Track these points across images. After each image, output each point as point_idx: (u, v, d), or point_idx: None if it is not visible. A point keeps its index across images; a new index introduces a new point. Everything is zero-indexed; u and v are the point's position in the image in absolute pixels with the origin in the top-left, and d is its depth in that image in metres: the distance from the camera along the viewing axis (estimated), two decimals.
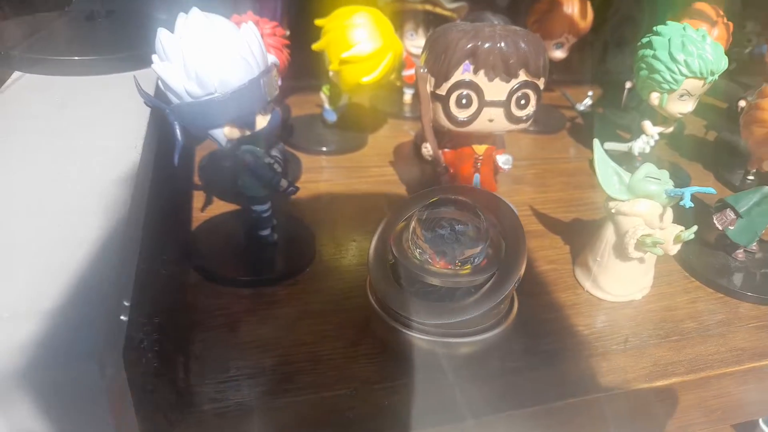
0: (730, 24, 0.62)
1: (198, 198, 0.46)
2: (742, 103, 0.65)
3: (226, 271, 0.38)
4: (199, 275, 0.38)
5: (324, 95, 0.56)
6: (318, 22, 0.52)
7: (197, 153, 0.52)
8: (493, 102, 0.39)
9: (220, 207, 0.45)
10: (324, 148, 0.56)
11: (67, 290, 0.20)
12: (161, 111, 0.34)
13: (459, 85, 0.38)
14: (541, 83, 0.40)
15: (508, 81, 0.38)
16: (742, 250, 0.43)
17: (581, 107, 0.65)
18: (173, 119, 0.34)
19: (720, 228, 0.41)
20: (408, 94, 0.68)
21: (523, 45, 0.38)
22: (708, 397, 0.35)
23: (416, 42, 0.63)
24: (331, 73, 0.51)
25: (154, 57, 0.33)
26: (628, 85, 0.65)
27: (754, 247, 0.43)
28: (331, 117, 0.56)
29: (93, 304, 0.20)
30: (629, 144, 0.55)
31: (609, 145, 0.56)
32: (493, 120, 0.40)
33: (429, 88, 0.40)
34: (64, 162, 0.29)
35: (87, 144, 0.31)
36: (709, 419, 0.36)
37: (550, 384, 0.32)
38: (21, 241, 0.23)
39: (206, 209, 0.45)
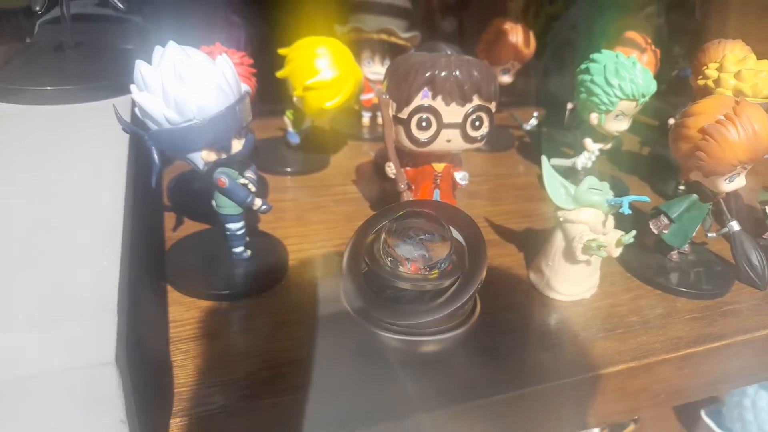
0: (658, 50, 0.69)
1: (168, 219, 0.48)
2: (672, 121, 0.71)
3: (204, 287, 0.39)
4: (178, 291, 0.39)
5: (288, 119, 0.58)
6: (281, 51, 0.55)
7: (165, 175, 0.53)
8: (450, 124, 0.42)
9: (191, 227, 0.47)
10: (289, 169, 0.58)
11: (80, 305, 0.22)
12: (139, 137, 0.36)
13: (419, 109, 0.42)
14: (492, 107, 0.44)
15: (463, 105, 0.42)
16: (676, 252, 0.47)
17: (528, 127, 0.70)
18: (151, 144, 0.36)
19: (656, 232, 0.46)
20: (366, 117, 0.71)
21: (475, 73, 0.42)
22: (652, 381, 0.38)
23: (373, 69, 0.67)
24: (295, 99, 0.54)
25: (133, 87, 0.35)
26: (569, 106, 0.71)
27: (687, 249, 0.48)
28: (295, 139, 0.59)
29: (104, 316, 0.22)
30: (573, 160, 0.60)
31: (554, 161, 0.61)
32: (450, 140, 0.43)
33: (391, 113, 0.43)
34: (57, 186, 0.31)
35: (75, 168, 0.33)
36: (655, 402, 0.40)
37: (512, 375, 0.35)
38: (27, 264, 0.25)
39: (178, 229, 0.46)
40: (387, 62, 0.67)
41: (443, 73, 0.41)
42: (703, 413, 0.94)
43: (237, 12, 0.59)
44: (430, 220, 0.34)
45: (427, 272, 0.33)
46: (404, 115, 0.42)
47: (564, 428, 0.39)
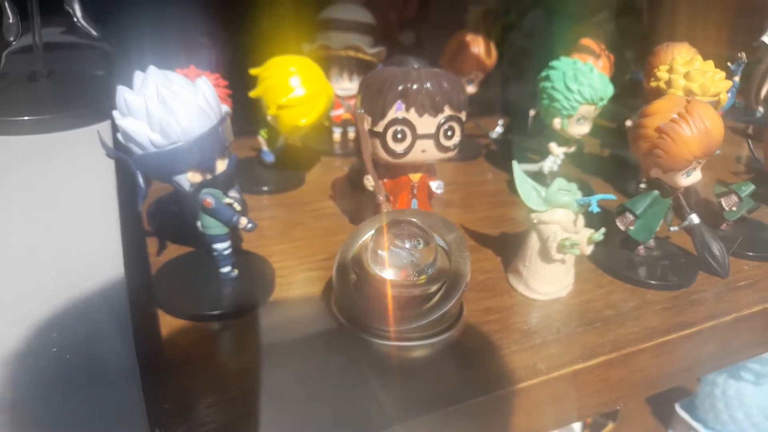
0: (611, 56, 0.72)
1: (150, 244, 0.48)
2: (629, 123, 0.74)
3: (194, 309, 0.40)
4: (169, 315, 0.39)
5: (262, 138, 0.59)
6: (253, 71, 0.56)
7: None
8: (424, 135, 0.44)
9: (173, 251, 0.47)
10: (265, 188, 0.59)
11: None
12: (124, 162, 0.37)
13: (394, 122, 0.43)
14: (463, 116, 0.46)
15: (435, 116, 0.44)
16: (642, 247, 0.50)
17: (494, 135, 0.73)
18: (136, 169, 0.37)
19: (623, 228, 0.48)
20: (337, 133, 0.72)
21: (445, 84, 0.44)
22: (630, 371, 0.40)
23: (342, 85, 0.68)
24: (269, 118, 0.55)
25: (115, 113, 0.36)
26: (531, 112, 0.73)
27: (652, 244, 0.50)
28: (270, 158, 0.60)
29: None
30: (540, 164, 0.62)
31: (522, 167, 0.63)
32: (425, 150, 0.45)
33: (367, 126, 0.45)
34: (54, 213, 0.31)
35: (67, 196, 0.33)
36: (633, 392, 0.42)
37: (501, 374, 0.36)
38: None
39: (161, 253, 0.47)
40: (355, 78, 0.69)
41: (415, 86, 0.43)
42: (677, 407, 0.98)
43: (206, 34, 0.60)
44: (413, 227, 0.36)
45: (415, 278, 0.34)
46: (380, 128, 0.44)
47: (550, 424, 0.41)
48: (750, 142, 0.58)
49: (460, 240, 0.37)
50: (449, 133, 0.45)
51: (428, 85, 0.43)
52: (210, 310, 0.40)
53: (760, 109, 0.86)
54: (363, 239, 0.38)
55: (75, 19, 0.47)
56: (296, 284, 0.44)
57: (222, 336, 0.39)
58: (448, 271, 0.35)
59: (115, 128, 0.39)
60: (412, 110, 0.43)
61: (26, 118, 0.42)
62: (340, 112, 0.69)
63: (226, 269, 0.43)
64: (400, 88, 0.43)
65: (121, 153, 0.37)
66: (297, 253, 0.49)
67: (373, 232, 0.37)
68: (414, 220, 0.36)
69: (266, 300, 0.42)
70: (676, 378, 0.45)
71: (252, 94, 0.55)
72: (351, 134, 0.73)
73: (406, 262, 0.34)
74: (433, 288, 0.34)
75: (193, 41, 0.59)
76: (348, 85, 0.68)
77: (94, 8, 0.51)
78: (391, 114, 0.43)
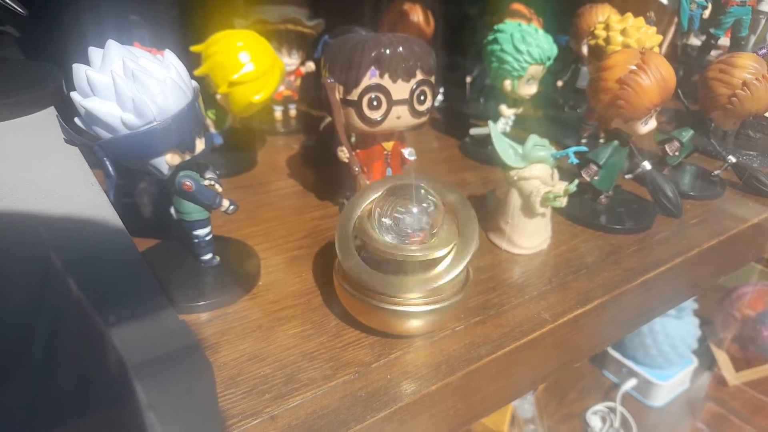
0: (541, 19, 0.74)
1: None
2: (560, 83, 0.77)
3: (182, 300, 0.37)
4: None
5: (209, 120, 0.56)
6: (194, 48, 0.52)
7: None
8: (399, 101, 0.43)
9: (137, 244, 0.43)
10: (218, 172, 0.55)
11: None
12: (89, 148, 0.33)
13: (369, 89, 0.42)
14: (433, 80, 0.45)
15: (408, 81, 0.43)
16: (603, 196, 0.52)
17: (436, 104, 0.73)
18: (102, 156, 0.33)
19: (588, 179, 0.50)
20: (278, 111, 0.70)
21: (416, 48, 0.43)
22: (618, 311, 0.42)
23: (282, 59, 0.66)
24: (218, 97, 0.52)
25: (74, 94, 0.32)
26: (468, 79, 0.75)
27: (611, 193, 0.53)
28: (218, 140, 0.56)
29: None
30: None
31: (474, 131, 0.64)
32: (400, 117, 0.44)
33: (338, 96, 0.43)
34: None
35: (40, 187, 0.29)
36: (620, 332, 0.44)
37: (511, 327, 0.37)
38: None
39: None
40: (294, 53, 0.66)
41: (388, 51, 0.42)
42: (608, 348, 1.05)
43: (134, 11, 0.55)
44: (415, 191, 0.35)
45: (426, 242, 0.34)
46: (354, 96, 0.42)
47: (552, 372, 0.42)
48: (680, 91, 0.62)
49: (463, 200, 0.37)
50: (422, 97, 0.44)
51: (401, 49, 0.42)
52: (199, 301, 0.37)
53: None
54: (363, 208, 0.36)
55: None
56: (282, 264, 0.42)
57: (220, 326, 0.36)
58: (458, 231, 0.35)
59: (66, 113, 0.35)
60: (386, 76, 0.42)
61: None
62: (280, 89, 0.67)
63: (208, 256, 0.40)
64: (374, 54, 0.41)
65: (85, 139, 0.33)
66: (272, 234, 0.46)
67: (373, 199, 0.36)
68: (417, 183, 0.35)
69: (255, 284, 0.40)
70: (656, 311, 0.48)
71: (197, 72, 0.51)
72: (292, 112, 0.71)
73: (424, 224, 0.33)
74: (448, 248, 0.34)
75: (120, 18, 0.54)
76: (288, 60, 0.66)
77: None
78: (366, 81, 0.42)
